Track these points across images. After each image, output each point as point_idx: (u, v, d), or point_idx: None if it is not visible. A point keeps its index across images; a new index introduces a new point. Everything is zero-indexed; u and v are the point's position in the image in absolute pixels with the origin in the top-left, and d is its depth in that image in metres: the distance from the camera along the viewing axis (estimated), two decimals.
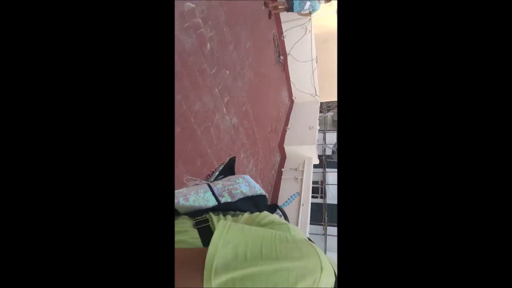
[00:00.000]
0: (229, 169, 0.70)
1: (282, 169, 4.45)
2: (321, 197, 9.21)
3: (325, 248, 7.75)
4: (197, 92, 2.15)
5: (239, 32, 3.01)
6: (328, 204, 9.07)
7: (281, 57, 4.73)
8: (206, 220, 0.47)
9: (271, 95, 4.38)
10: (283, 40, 4.74)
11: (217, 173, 0.68)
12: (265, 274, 0.31)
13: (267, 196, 0.62)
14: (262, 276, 0.31)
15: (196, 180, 0.66)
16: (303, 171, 4.33)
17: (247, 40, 3.23)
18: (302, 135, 4.68)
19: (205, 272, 0.31)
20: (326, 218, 8.61)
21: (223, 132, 2.58)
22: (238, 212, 0.52)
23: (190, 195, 0.54)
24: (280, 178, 4.34)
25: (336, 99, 6.67)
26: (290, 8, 3.96)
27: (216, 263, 0.31)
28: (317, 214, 8.53)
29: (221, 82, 2.55)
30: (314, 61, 4.97)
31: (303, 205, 3.89)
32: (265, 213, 0.46)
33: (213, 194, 0.55)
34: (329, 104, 10.19)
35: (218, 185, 0.57)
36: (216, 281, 0.30)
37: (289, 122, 5.04)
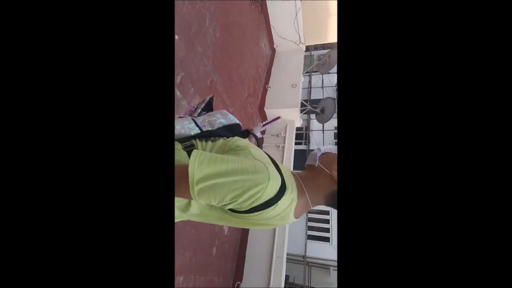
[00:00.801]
0: (208, 106, 0.82)
1: (264, 136, 4.03)
2: (305, 144, 9.10)
3: None
4: None
5: None
6: (311, 150, 9.01)
7: None
8: (193, 145, 0.62)
9: (247, 48, 3.59)
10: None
11: (199, 109, 0.79)
12: (229, 183, 0.48)
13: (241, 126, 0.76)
14: (227, 184, 0.48)
15: (182, 116, 0.76)
16: (285, 137, 3.94)
17: None
18: (284, 95, 4.09)
19: (189, 183, 0.49)
20: None
21: None
22: (217, 138, 0.67)
23: (177, 126, 0.66)
24: (262, 147, 3.96)
25: (323, 42, 5.82)
26: None
27: (196, 177, 0.48)
28: (300, 161, 8.56)
29: None
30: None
31: None
32: (236, 138, 0.62)
33: (197, 125, 0.68)
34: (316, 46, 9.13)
35: (200, 119, 0.71)
36: (197, 187, 0.48)
37: (271, 79, 4.36)
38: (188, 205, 0.57)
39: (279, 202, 0.51)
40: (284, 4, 4.01)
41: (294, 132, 4.06)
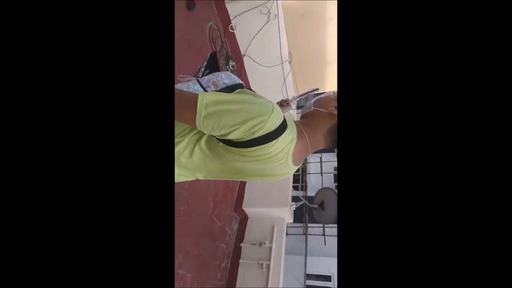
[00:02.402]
0: (213, 64, 0.87)
1: (241, 245, 2.98)
2: (302, 189, 8.03)
3: (306, 251, 6.91)
4: None
5: None
6: (309, 197, 7.92)
7: (232, 64, 2.80)
8: None
9: None
10: (233, 32, 2.73)
11: (202, 68, 0.83)
12: (235, 110, 0.49)
13: None
14: (233, 111, 0.49)
15: (187, 77, 0.76)
16: (270, 248, 2.88)
17: None
18: (269, 188, 3.08)
19: (198, 106, 0.49)
20: (307, 217, 7.58)
21: None
22: None
23: (183, 88, 0.66)
24: (238, 263, 2.89)
25: (321, 91, 4.90)
26: None
27: (206, 101, 0.49)
28: (297, 212, 7.49)
29: None
30: (287, 62, 3.07)
31: None
32: (239, 89, 0.64)
33: (201, 86, 0.67)
34: None
35: (205, 79, 0.70)
36: (205, 111, 0.49)
37: None
38: (191, 151, 0.58)
39: (280, 138, 0.51)
40: (268, 69, 3.09)
41: (284, 238, 3.02)
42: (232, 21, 2.64)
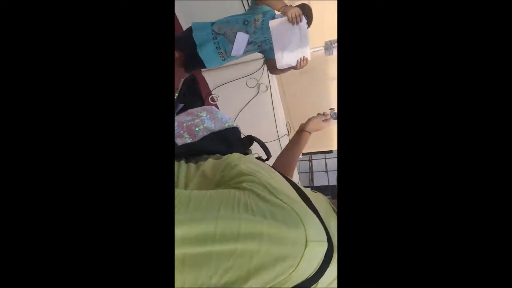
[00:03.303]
0: (190, 93, 0.57)
1: None
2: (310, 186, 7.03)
3: None
4: None
5: None
6: None
7: None
8: None
9: None
10: (215, 104, 2.16)
11: (176, 95, 0.58)
12: (217, 256, 0.25)
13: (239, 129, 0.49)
14: (213, 259, 0.25)
15: None
16: None
17: None
18: None
19: None
20: None
21: None
22: (204, 156, 0.42)
23: None
24: None
25: (326, 149, 4.34)
26: (192, 63, 1.30)
27: None
28: None
29: None
30: (285, 136, 2.46)
31: None
32: (235, 157, 0.38)
33: None
34: None
35: (176, 122, 0.46)
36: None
37: None
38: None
39: (322, 278, 0.29)
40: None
41: None
42: (212, 92, 2.09)
